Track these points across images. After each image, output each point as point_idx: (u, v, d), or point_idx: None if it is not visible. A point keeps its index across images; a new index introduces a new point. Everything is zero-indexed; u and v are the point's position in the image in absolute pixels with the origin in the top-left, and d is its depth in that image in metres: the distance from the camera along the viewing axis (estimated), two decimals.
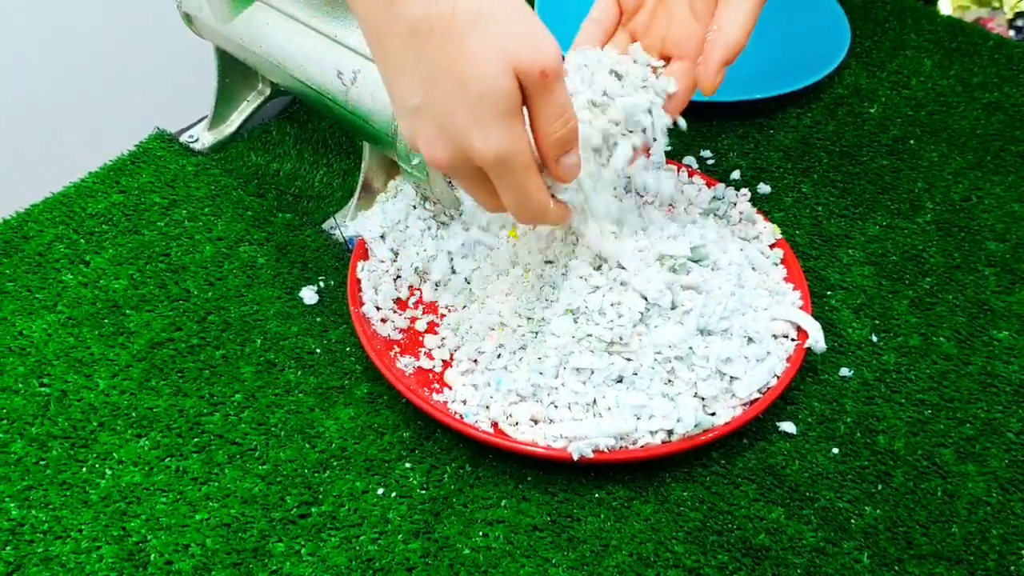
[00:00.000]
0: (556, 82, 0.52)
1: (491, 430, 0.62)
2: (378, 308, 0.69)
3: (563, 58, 0.53)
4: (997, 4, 2.06)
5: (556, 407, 0.62)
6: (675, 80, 0.65)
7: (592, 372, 0.63)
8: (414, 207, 0.74)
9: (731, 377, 0.63)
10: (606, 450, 0.60)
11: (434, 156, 0.55)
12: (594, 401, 0.62)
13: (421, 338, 0.68)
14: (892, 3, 1.05)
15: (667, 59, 0.66)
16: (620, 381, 0.62)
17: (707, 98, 0.84)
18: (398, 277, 0.71)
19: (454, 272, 0.71)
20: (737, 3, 0.63)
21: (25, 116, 1.15)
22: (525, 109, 0.54)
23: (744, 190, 0.77)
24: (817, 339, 0.66)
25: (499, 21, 0.51)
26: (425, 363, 0.67)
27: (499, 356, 0.65)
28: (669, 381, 0.63)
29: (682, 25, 0.65)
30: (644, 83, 0.65)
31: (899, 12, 1.04)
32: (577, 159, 0.57)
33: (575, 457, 0.59)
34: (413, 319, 0.70)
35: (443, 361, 0.67)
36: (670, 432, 0.61)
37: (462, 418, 0.62)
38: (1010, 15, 1.85)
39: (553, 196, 0.60)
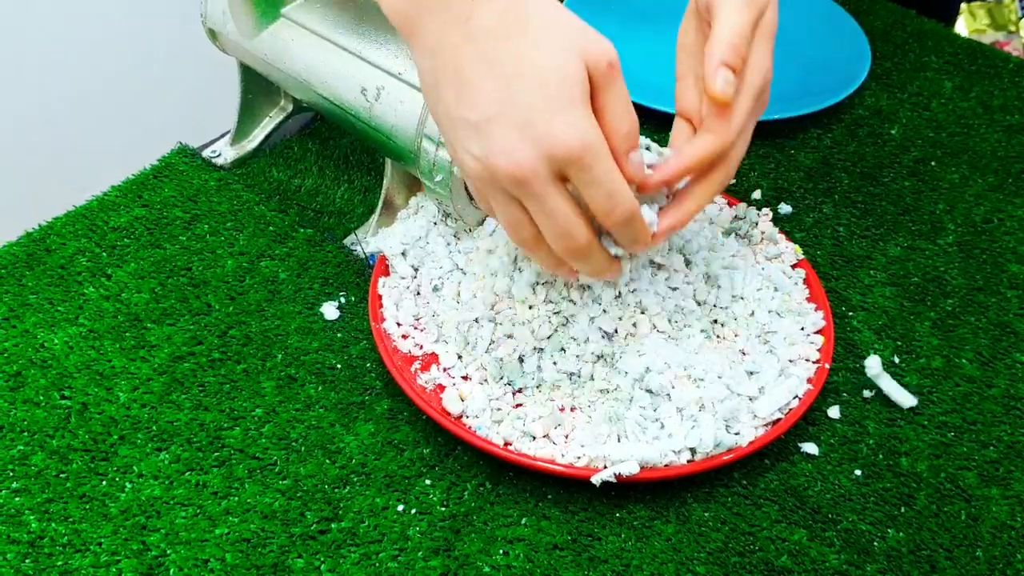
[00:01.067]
0: (619, 75, 0.54)
1: (501, 444, 0.62)
2: (399, 324, 0.69)
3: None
4: (1013, 28, 2.05)
5: (576, 427, 0.62)
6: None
7: (613, 390, 0.63)
8: (435, 224, 0.74)
9: (753, 397, 0.63)
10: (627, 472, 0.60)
11: (516, 160, 0.53)
12: (616, 418, 0.61)
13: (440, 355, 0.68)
14: (912, 25, 1.05)
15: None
16: (644, 397, 0.62)
17: None
18: (418, 293, 0.71)
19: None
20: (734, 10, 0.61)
21: (49, 130, 1.16)
22: None
23: (765, 210, 0.77)
24: (904, 399, 0.67)
25: (563, 22, 0.54)
26: (445, 379, 0.67)
27: (521, 362, 0.65)
28: (692, 402, 0.62)
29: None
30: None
31: (919, 34, 1.04)
32: (640, 158, 0.57)
33: (597, 483, 0.59)
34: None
35: (462, 377, 0.67)
36: (693, 452, 0.60)
37: (475, 432, 0.62)
38: None
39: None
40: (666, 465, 0.60)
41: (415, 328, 0.69)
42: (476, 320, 0.67)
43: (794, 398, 0.64)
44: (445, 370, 0.67)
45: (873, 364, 0.68)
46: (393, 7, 0.55)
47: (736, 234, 0.75)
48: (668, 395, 0.62)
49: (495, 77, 0.53)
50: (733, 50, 0.58)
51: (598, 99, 0.54)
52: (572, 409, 0.64)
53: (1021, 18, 2.06)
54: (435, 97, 0.56)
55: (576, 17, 0.54)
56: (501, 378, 0.65)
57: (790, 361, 0.66)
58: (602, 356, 0.65)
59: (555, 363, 0.65)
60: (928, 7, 1.08)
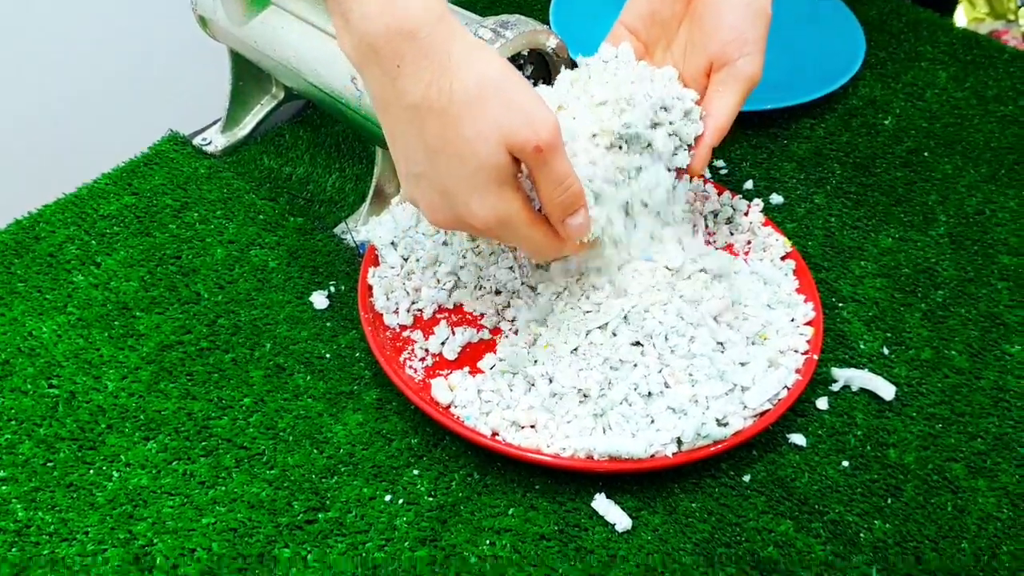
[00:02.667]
0: (552, 154, 0.56)
1: (489, 434, 0.62)
2: (390, 313, 0.69)
3: (558, 130, 0.56)
4: (1012, 17, 2.05)
5: (566, 419, 0.62)
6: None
7: (603, 382, 0.63)
8: None
9: (742, 388, 0.63)
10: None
11: (436, 220, 0.59)
12: (603, 412, 0.61)
13: (427, 338, 0.68)
14: (907, 15, 1.04)
15: None
16: (632, 390, 0.62)
17: None
18: (408, 282, 0.71)
19: (459, 280, 0.71)
20: (726, 91, 0.67)
21: (39, 117, 1.16)
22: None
23: (757, 200, 0.77)
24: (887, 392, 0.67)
25: (494, 101, 0.54)
26: (430, 362, 0.67)
27: (504, 361, 0.65)
28: (673, 388, 0.62)
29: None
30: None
31: (914, 24, 1.03)
32: (584, 219, 0.60)
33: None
34: (424, 326, 0.69)
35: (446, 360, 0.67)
36: (679, 443, 0.60)
37: (463, 422, 0.62)
38: None
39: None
40: (652, 456, 0.60)
41: (406, 317, 0.69)
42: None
43: (783, 388, 0.64)
44: (435, 355, 0.67)
45: (840, 376, 0.68)
46: (343, 50, 0.56)
47: (728, 220, 0.75)
48: (661, 392, 0.62)
49: (421, 146, 0.56)
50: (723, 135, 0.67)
51: (532, 177, 0.57)
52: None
53: (1020, 6, 2.05)
54: (387, 137, 0.58)
55: (516, 88, 0.55)
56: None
57: (780, 352, 0.66)
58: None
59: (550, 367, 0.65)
60: None
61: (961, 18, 1.23)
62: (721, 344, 0.65)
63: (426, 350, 0.68)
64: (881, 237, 0.79)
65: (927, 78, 0.96)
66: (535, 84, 0.72)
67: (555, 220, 0.59)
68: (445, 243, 0.72)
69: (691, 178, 0.72)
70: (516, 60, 0.68)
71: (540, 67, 0.71)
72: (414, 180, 0.58)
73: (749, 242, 0.75)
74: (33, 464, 0.62)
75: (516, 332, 0.68)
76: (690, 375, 0.63)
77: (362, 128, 0.72)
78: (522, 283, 0.69)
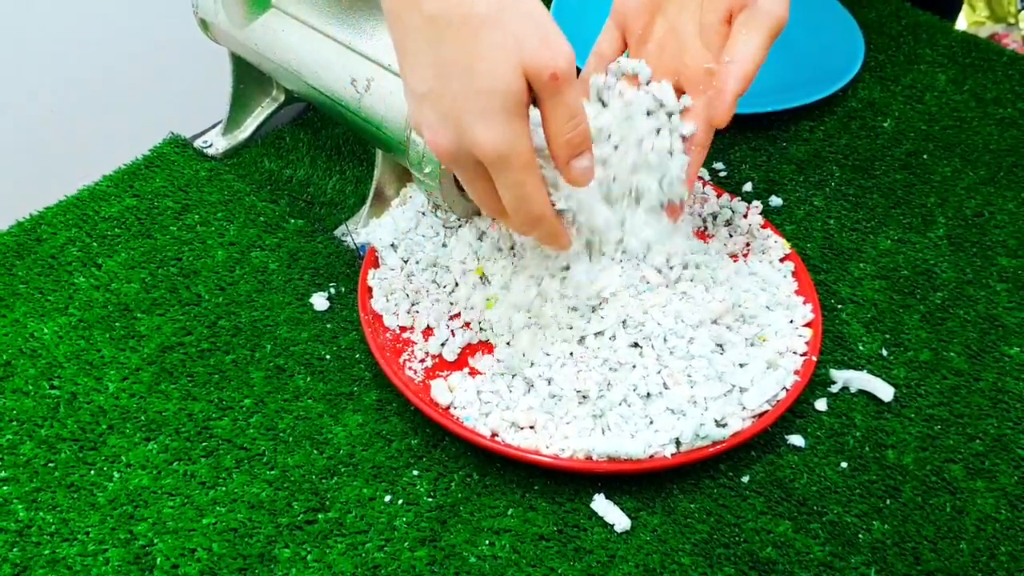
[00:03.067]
0: (566, 85, 0.53)
1: (488, 435, 0.62)
2: (388, 315, 0.69)
3: (576, 65, 0.54)
4: (1013, 20, 2.05)
5: (565, 420, 0.62)
6: (693, 124, 0.67)
7: (602, 383, 0.63)
8: (423, 214, 0.74)
9: (740, 389, 0.63)
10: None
11: (437, 143, 0.56)
12: (602, 413, 0.62)
13: (427, 340, 0.69)
14: (907, 18, 1.05)
15: (680, 91, 0.67)
16: (631, 391, 0.62)
17: None
18: (409, 283, 0.71)
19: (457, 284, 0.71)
20: (749, 34, 0.63)
21: (41, 119, 1.16)
22: (536, 110, 0.55)
23: (756, 203, 0.77)
24: (886, 394, 0.67)
25: (515, 21, 0.52)
26: (429, 363, 0.67)
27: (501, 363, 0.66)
28: (672, 389, 0.63)
29: (696, 57, 0.66)
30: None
31: (914, 27, 1.03)
32: (589, 163, 0.58)
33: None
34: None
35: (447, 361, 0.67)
36: (678, 443, 0.61)
37: (463, 423, 0.62)
38: None
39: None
40: (650, 457, 0.60)
41: (405, 317, 0.69)
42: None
43: (782, 389, 0.64)
44: (434, 356, 0.67)
45: (839, 377, 0.68)
46: None
47: (727, 223, 0.75)
48: (660, 393, 0.63)
49: (432, 61, 0.53)
50: (749, 82, 0.63)
51: (542, 108, 0.55)
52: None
53: (1021, 10, 2.05)
54: (397, 54, 0.57)
55: (536, 12, 0.53)
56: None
57: (779, 354, 0.66)
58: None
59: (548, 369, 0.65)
60: (930, 2, 1.08)
61: (961, 22, 1.23)
62: (720, 346, 0.65)
63: (426, 352, 0.68)
64: (880, 239, 0.79)
65: (926, 80, 0.96)
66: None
67: (561, 159, 0.57)
68: (444, 244, 0.72)
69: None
70: None
71: None
72: (419, 100, 0.56)
73: (748, 244, 0.75)
74: (34, 464, 0.62)
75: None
76: (689, 376, 0.63)
77: (362, 131, 0.73)
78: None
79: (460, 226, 0.73)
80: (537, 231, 0.60)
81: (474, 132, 0.54)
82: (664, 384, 0.63)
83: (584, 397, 0.63)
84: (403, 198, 0.77)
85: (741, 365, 0.65)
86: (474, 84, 0.53)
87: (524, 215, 0.58)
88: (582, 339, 0.65)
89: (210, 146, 0.86)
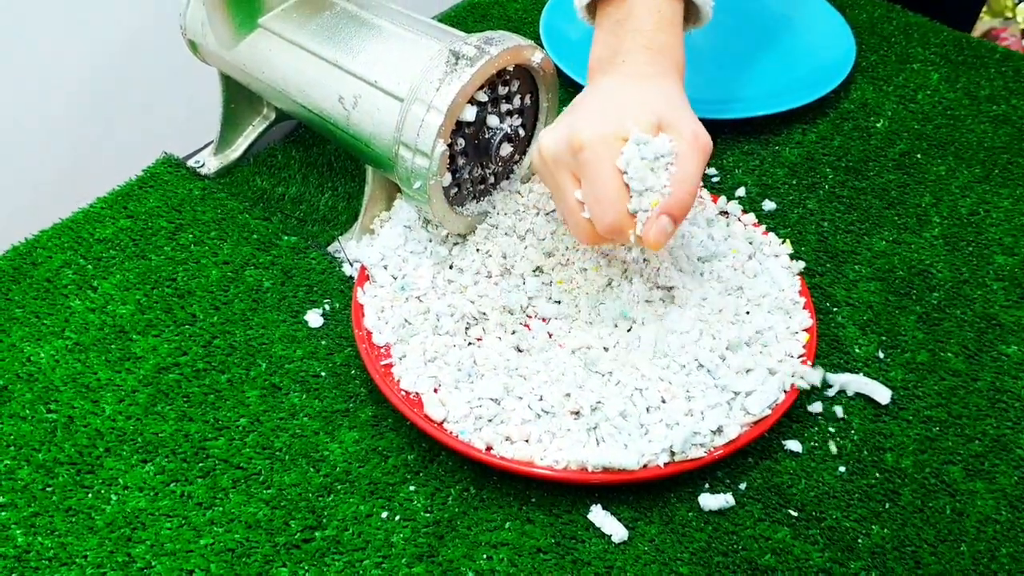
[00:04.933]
0: (700, 153, 0.61)
1: (483, 448, 0.62)
2: (381, 331, 0.69)
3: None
4: (1010, 14, 2.04)
5: (559, 432, 0.62)
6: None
7: (597, 398, 0.63)
8: (409, 228, 0.74)
9: (734, 394, 0.63)
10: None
11: (545, 134, 0.63)
12: (596, 425, 0.61)
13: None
14: (898, 18, 1.05)
15: None
16: (627, 402, 0.62)
17: (713, 116, 0.85)
18: (403, 297, 0.71)
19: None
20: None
21: (34, 142, 1.16)
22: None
23: (750, 215, 0.77)
24: (883, 396, 0.67)
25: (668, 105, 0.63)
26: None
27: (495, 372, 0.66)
28: (669, 399, 0.62)
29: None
30: None
31: (905, 27, 1.03)
32: (672, 229, 0.60)
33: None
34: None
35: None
36: (672, 452, 0.60)
37: (458, 437, 0.62)
38: (1023, 25, 1.83)
39: None
40: (644, 467, 0.60)
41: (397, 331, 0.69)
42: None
43: (779, 394, 0.64)
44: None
45: (836, 381, 0.68)
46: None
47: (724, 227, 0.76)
48: (658, 407, 0.62)
49: (598, 101, 0.64)
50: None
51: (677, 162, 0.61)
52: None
53: (1018, 4, 2.04)
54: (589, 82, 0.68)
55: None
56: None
57: (779, 362, 0.66)
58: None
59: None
60: (947, 14, 1.07)
61: None
62: (715, 351, 0.65)
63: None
64: (875, 240, 0.79)
65: (919, 80, 0.96)
66: (521, 100, 0.72)
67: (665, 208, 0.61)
68: (431, 255, 0.72)
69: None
70: (502, 75, 0.69)
71: (526, 82, 0.72)
72: (583, 115, 0.62)
73: (750, 245, 0.74)
74: (32, 489, 0.62)
75: (500, 338, 0.68)
76: (687, 391, 0.63)
77: (351, 147, 0.73)
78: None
79: (454, 241, 0.73)
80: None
81: (579, 125, 0.61)
82: (662, 399, 0.63)
83: (578, 415, 0.63)
84: (386, 216, 0.77)
85: (736, 372, 0.64)
86: (614, 109, 0.62)
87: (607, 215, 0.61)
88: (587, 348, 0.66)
89: (203, 165, 0.86)
